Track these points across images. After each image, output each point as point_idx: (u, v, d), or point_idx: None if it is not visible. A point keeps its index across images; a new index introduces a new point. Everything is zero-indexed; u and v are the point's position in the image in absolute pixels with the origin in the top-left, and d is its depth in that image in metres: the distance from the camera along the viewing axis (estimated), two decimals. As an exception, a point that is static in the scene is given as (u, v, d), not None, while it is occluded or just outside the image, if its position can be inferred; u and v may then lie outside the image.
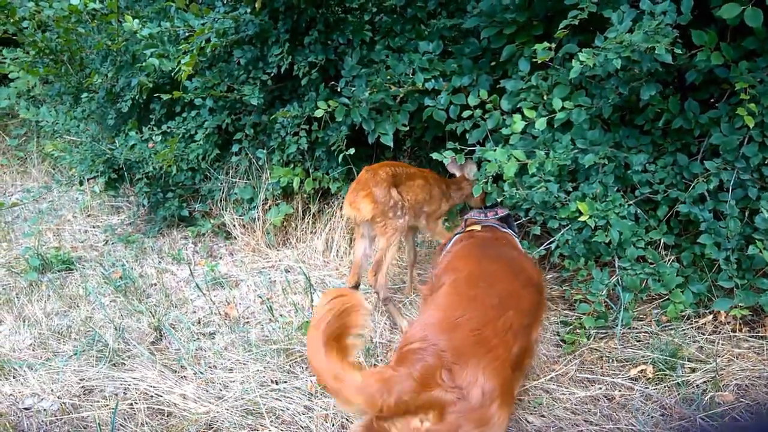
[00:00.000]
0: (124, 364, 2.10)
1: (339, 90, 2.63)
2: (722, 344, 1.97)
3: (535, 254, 2.22)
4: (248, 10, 2.65)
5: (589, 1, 1.88)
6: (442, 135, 2.63)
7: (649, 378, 1.87)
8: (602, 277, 2.06)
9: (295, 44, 2.78)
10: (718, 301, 2.00)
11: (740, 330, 2.02)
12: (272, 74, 2.75)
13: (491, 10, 2.30)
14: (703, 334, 2.03)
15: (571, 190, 2.12)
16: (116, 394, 1.92)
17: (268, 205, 3.03)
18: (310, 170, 2.95)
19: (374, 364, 2.04)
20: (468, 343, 1.18)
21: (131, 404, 1.86)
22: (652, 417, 1.72)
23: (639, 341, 2.06)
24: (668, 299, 2.03)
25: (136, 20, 2.65)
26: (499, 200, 2.15)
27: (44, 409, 1.88)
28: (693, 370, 1.87)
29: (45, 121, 3.36)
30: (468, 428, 1.11)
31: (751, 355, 1.93)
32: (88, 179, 3.40)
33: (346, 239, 2.92)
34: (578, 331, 2.08)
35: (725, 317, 2.04)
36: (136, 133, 3.09)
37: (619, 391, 1.84)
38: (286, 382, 1.95)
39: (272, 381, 1.96)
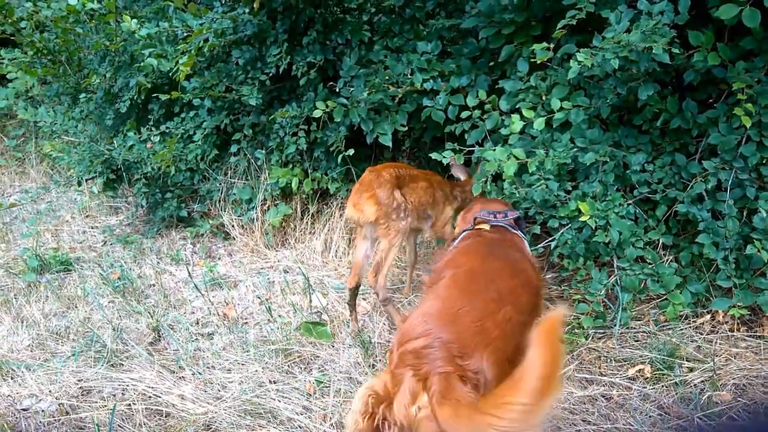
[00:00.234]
0: (123, 364, 2.10)
1: (337, 90, 2.63)
2: (720, 344, 1.98)
3: (534, 253, 2.22)
4: (246, 10, 2.65)
5: (587, 2, 1.88)
6: (441, 135, 2.63)
7: (647, 378, 1.87)
8: (601, 277, 2.06)
9: (293, 44, 2.78)
10: (716, 300, 2.00)
11: (738, 330, 2.03)
12: (271, 74, 2.75)
13: (490, 10, 2.30)
14: (701, 334, 2.03)
15: (570, 189, 2.12)
16: (114, 395, 1.92)
17: (266, 205, 3.03)
18: (309, 171, 2.95)
19: (372, 365, 2.04)
20: (470, 334, 1.19)
21: (129, 405, 1.86)
22: (649, 416, 1.72)
23: (637, 341, 2.06)
24: (666, 299, 2.03)
25: (134, 20, 2.66)
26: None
27: (42, 410, 1.88)
28: (691, 370, 1.87)
29: (43, 121, 3.36)
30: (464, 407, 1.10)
31: (749, 354, 1.93)
32: (86, 180, 3.40)
33: (345, 240, 2.92)
34: (576, 330, 2.09)
35: (723, 317, 2.05)
36: (135, 133, 3.09)
37: (617, 390, 1.84)
38: (284, 382, 1.95)
39: (271, 381, 1.96)
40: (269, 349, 2.13)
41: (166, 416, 1.83)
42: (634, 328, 2.11)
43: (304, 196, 3.02)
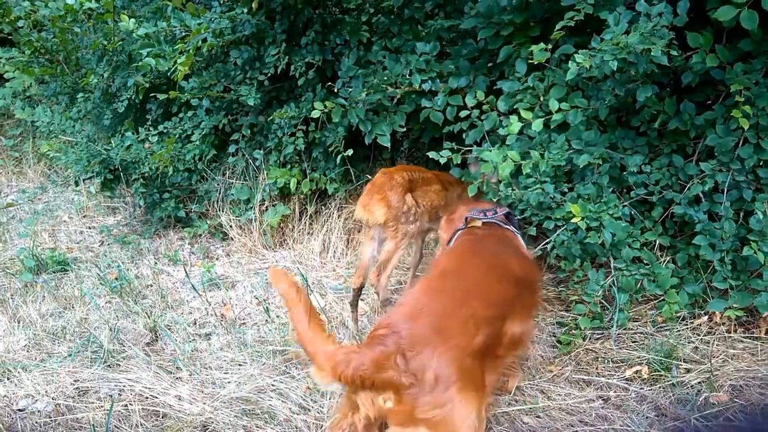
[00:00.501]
0: (119, 365, 2.09)
1: (336, 91, 2.63)
2: (717, 345, 1.98)
3: (532, 254, 2.22)
4: (245, 10, 2.64)
5: (586, 3, 1.89)
6: (440, 136, 2.63)
7: (644, 379, 1.88)
8: (598, 278, 2.06)
9: (292, 45, 2.78)
10: (712, 302, 2.00)
11: (735, 331, 2.03)
12: (269, 75, 2.75)
13: (488, 11, 2.30)
14: (698, 335, 2.03)
15: (566, 191, 2.13)
16: (111, 396, 1.91)
17: (264, 206, 3.02)
18: (307, 171, 2.95)
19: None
20: (425, 332, 1.26)
21: (126, 405, 1.85)
22: (647, 417, 1.72)
23: (634, 342, 2.06)
24: (663, 300, 2.03)
25: (132, 20, 2.65)
26: (494, 200, 2.15)
27: (38, 411, 1.87)
28: (688, 371, 1.88)
29: (40, 121, 3.35)
30: (424, 410, 1.19)
31: (746, 355, 1.94)
32: (83, 180, 3.39)
33: (343, 240, 2.92)
34: (574, 332, 2.09)
35: (720, 318, 2.05)
36: (133, 133, 3.08)
37: (615, 391, 1.85)
38: (282, 382, 1.95)
39: (268, 382, 1.95)
40: (267, 349, 2.12)
41: (162, 417, 1.82)
42: (632, 329, 2.11)
43: (302, 196, 3.01)
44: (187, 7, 2.64)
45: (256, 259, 2.97)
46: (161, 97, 2.74)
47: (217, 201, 3.17)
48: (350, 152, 2.63)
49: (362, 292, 2.25)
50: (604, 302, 2.12)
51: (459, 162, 2.25)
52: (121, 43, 2.98)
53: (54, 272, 2.90)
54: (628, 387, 1.85)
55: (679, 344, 1.98)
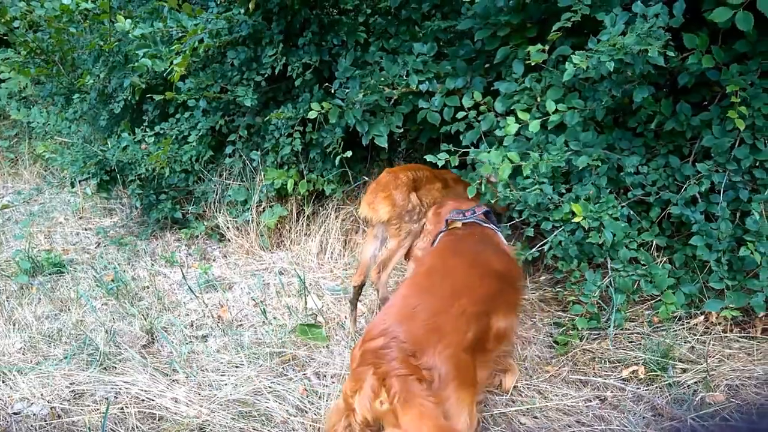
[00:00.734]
0: (115, 367, 2.08)
1: (333, 92, 2.63)
2: (713, 345, 1.99)
3: (528, 256, 2.23)
4: (242, 11, 2.64)
5: (582, 4, 1.89)
6: (437, 137, 2.63)
7: (641, 379, 1.88)
8: (595, 278, 2.07)
9: (289, 45, 2.78)
10: (709, 302, 2.01)
11: (731, 331, 2.04)
12: (266, 75, 2.74)
13: (485, 12, 2.30)
14: (695, 335, 2.04)
15: (564, 192, 2.13)
16: (107, 399, 1.90)
17: (262, 207, 3.01)
18: (305, 172, 2.94)
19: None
20: (423, 332, 1.27)
21: (122, 408, 1.84)
22: (643, 418, 1.73)
23: (631, 342, 2.07)
24: (660, 300, 2.04)
25: (129, 20, 2.64)
26: (492, 201, 2.15)
27: (34, 414, 1.86)
28: (684, 371, 1.88)
29: (36, 122, 3.34)
30: (427, 408, 1.19)
31: (742, 355, 1.94)
32: (79, 181, 3.37)
33: (341, 242, 2.92)
34: (571, 332, 2.09)
35: (716, 318, 2.06)
36: (129, 134, 3.07)
37: (611, 392, 1.85)
38: (279, 384, 1.94)
39: (265, 384, 1.95)
40: (264, 351, 2.12)
41: (159, 420, 1.82)
42: (628, 330, 2.12)
43: (299, 197, 3.01)
44: (184, 8, 2.63)
45: (254, 260, 2.96)
46: (158, 98, 2.73)
47: (214, 202, 3.16)
48: (349, 154, 2.63)
49: (361, 293, 2.25)
50: (601, 302, 2.13)
51: (457, 164, 2.25)
52: (117, 43, 2.96)
53: (50, 274, 2.88)
54: (624, 387, 1.85)
55: (675, 344, 1.98)
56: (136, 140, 3.01)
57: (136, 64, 2.72)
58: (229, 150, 3.03)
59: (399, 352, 1.23)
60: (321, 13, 2.82)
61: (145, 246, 3.18)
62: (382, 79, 2.45)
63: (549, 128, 2.10)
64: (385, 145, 2.55)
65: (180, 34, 2.63)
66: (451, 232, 1.81)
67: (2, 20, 3.14)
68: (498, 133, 2.17)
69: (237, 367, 2.06)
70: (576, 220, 1.97)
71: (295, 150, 2.78)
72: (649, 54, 1.72)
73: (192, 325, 2.39)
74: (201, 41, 2.54)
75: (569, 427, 1.72)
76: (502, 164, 1.98)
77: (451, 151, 2.18)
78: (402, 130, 2.60)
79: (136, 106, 3.18)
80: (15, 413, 1.87)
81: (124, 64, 3.09)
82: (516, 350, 2.08)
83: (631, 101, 2.05)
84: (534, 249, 2.23)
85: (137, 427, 1.77)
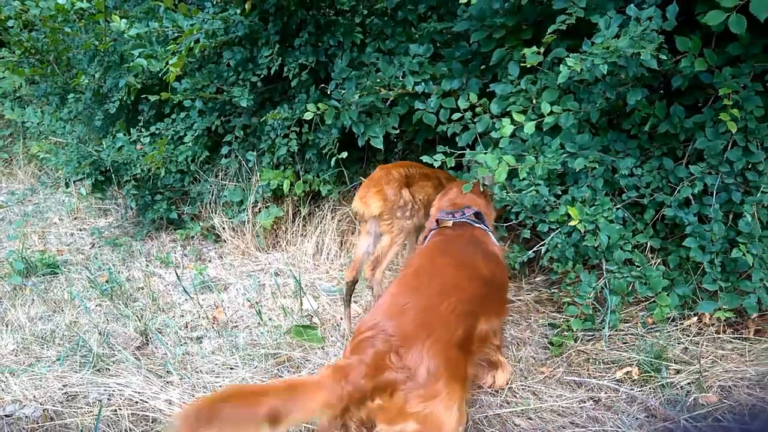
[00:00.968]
0: (109, 369, 2.07)
1: (329, 92, 2.63)
2: (706, 346, 2.00)
3: (525, 257, 2.23)
4: (238, 11, 2.64)
5: (577, 7, 1.90)
6: (433, 138, 2.63)
7: (635, 380, 1.89)
8: (590, 280, 2.08)
9: (285, 46, 2.78)
10: (702, 303, 2.02)
11: (724, 332, 2.05)
12: (262, 76, 2.74)
13: (481, 14, 2.31)
14: (688, 336, 2.05)
15: (560, 193, 2.14)
16: (100, 401, 1.89)
17: (257, 207, 3.01)
18: (301, 173, 2.94)
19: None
20: (412, 327, 1.28)
21: (115, 410, 1.83)
22: (636, 419, 1.74)
23: (625, 343, 2.08)
24: (654, 302, 2.05)
25: (124, 20, 2.63)
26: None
27: (26, 416, 1.84)
28: (677, 372, 1.89)
29: (31, 122, 3.32)
30: (415, 403, 1.21)
31: (735, 356, 1.96)
32: (74, 181, 3.36)
33: (337, 242, 2.91)
34: (566, 333, 2.10)
35: (709, 319, 2.07)
36: (124, 134, 3.06)
37: (605, 393, 1.86)
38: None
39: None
40: (259, 353, 2.11)
41: (152, 422, 1.81)
42: (623, 331, 2.13)
43: (295, 198, 3.01)
44: (180, 8, 2.62)
45: (249, 261, 2.95)
46: (153, 98, 2.72)
47: (210, 203, 3.15)
48: (345, 155, 2.63)
49: (355, 293, 2.25)
50: (595, 304, 2.14)
51: (453, 165, 2.25)
52: (112, 43, 2.95)
53: (43, 275, 2.86)
54: (618, 388, 1.86)
55: (669, 345, 1.99)
56: (131, 140, 3.00)
57: (131, 64, 2.71)
58: (225, 150, 3.02)
59: (383, 345, 1.24)
60: (317, 13, 2.83)
61: (140, 247, 3.16)
62: (379, 80, 2.45)
63: (544, 130, 2.11)
64: (381, 146, 2.56)
65: (176, 34, 2.63)
66: (440, 231, 1.82)
67: (-3, 19, 3.12)
68: (494, 134, 2.17)
69: (232, 368, 2.05)
70: (572, 223, 1.98)
71: (291, 151, 2.78)
72: (642, 57, 1.73)
73: (187, 327, 2.38)
74: (197, 41, 2.54)
75: (563, 428, 1.72)
76: (498, 167, 1.99)
77: (447, 153, 2.19)
78: (398, 131, 2.61)
79: (131, 106, 3.17)
80: (7, 415, 1.86)
81: (119, 64, 3.08)
82: (510, 351, 2.08)
83: (625, 103, 2.06)
84: (530, 251, 2.23)
85: (131, 430, 1.76)
